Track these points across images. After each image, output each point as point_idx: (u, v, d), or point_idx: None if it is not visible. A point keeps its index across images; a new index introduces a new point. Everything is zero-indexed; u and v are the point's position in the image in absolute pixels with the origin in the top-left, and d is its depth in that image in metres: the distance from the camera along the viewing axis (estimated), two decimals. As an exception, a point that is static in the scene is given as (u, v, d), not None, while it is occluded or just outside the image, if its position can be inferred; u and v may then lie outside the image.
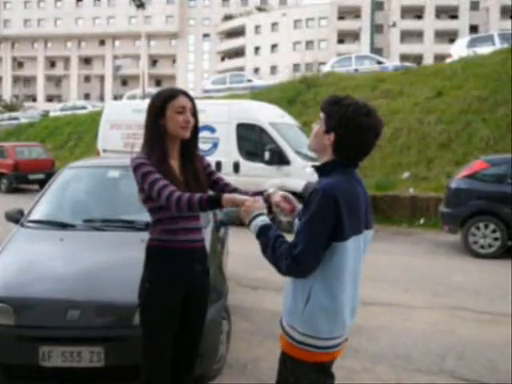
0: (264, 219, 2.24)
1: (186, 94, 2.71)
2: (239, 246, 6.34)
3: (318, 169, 2.26)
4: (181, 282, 2.69)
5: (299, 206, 2.45)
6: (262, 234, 2.19)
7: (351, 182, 2.19)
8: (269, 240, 2.15)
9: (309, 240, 2.06)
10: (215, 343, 3.77)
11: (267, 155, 10.78)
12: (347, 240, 2.11)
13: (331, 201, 2.05)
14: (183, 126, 2.64)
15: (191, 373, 2.93)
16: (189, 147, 2.74)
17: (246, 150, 11.42)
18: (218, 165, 11.16)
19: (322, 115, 2.23)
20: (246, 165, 11.21)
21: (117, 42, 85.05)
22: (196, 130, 2.73)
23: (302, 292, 2.16)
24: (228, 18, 76.91)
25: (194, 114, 2.70)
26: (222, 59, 78.28)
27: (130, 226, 4.24)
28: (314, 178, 9.89)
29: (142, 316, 2.74)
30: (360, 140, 2.15)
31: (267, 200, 2.52)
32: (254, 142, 11.40)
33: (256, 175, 10.96)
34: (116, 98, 47.97)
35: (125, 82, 79.04)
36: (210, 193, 2.69)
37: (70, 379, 3.38)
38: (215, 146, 11.46)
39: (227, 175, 11.02)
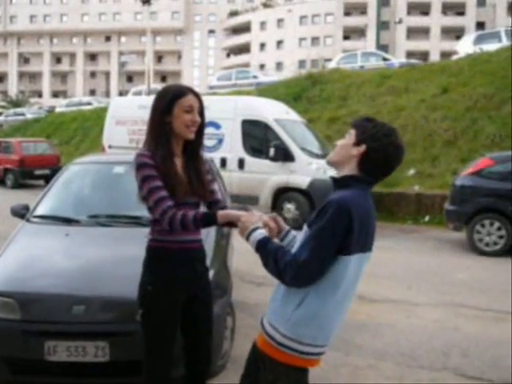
0: (261, 232, 2.24)
1: (194, 92, 2.63)
2: (243, 242, 6.37)
3: (336, 180, 2.26)
4: (183, 284, 2.67)
5: (286, 227, 2.47)
6: (261, 247, 2.19)
7: (367, 199, 2.20)
8: (269, 253, 2.15)
9: (315, 251, 2.06)
10: (219, 339, 3.78)
11: (272, 152, 10.77)
12: (352, 255, 2.10)
13: (345, 215, 2.04)
14: (189, 126, 2.57)
15: (207, 373, 2.94)
16: (193, 146, 2.68)
17: (251, 147, 11.42)
18: (223, 161, 11.16)
19: (352, 131, 2.24)
20: (251, 161, 11.21)
21: (122, 38, 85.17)
22: (202, 129, 2.67)
23: (294, 296, 2.14)
24: (234, 14, 76.83)
25: (201, 113, 2.64)
26: (228, 55, 78.26)
27: (135, 221, 4.25)
28: (318, 174, 9.91)
29: (143, 319, 2.71)
30: (388, 157, 2.18)
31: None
32: (259, 139, 11.39)
33: (261, 172, 10.96)
34: (121, 94, 48.06)
35: (130, 78, 79.22)
36: (203, 210, 2.65)
37: (74, 374, 3.40)
38: (220, 142, 11.46)
39: (232, 171, 11.04)
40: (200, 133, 2.67)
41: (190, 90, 2.63)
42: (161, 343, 2.70)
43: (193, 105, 2.58)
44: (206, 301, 2.83)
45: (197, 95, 2.63)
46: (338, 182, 2.23)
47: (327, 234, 2.05)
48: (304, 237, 2.17)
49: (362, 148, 2.18)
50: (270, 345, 2.19)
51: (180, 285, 2.65)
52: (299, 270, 2.06)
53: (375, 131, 2.18)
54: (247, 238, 2.27)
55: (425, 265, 7.93)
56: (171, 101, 2.55)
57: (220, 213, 2.44)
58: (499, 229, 8.55)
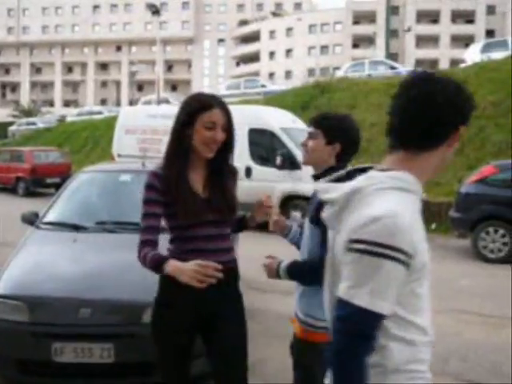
0: (284, 264, 2.45)
1: (222, 106, 2.35)
2: (249, 249, 6.47)
3: (319, 176, 2.48)
4: (186, 309, 2.38)
5: (289, 225, 2.68)
6: (292, 274, 2.43)
7: None
8: (300, 273, 2.42)
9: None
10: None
11: (279, 160, 10.89)
12: None
13: None
14: (208, 144, 2.31)
15: None
16: (218, 162, 2.41)
17: (258, 155, 11.55)
18: (230, 169, 11.28)
19: (315, 130, 2.47)
20: (258, 169, 11.33)
21: (133, 48, 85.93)
22: (229, 145, 2.41)
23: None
24: (243, 23, 77.31)
25: (229, 129, 2.37)
26: (237, 64, 78.67)
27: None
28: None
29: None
30: (358, 143, 2.51)
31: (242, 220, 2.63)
32: (266, 147, 11.53)
33: (268, 180, 11.08)
34: (132, 103, 48.45)
35: (141, 87, 79.81)
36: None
37: (81, 375, 3.52)
38: (227, 150, 11.59)
39: (239, 180, 11.13)
40: (227, 149, 2.42)
41: (218, 103, 2.35)
42: (166, 363, 2.52)
43: (216, 121, 2.31)
44: (222, 329, 2.44)
45: (224, 109, 2.35)
46: (322, 177, 2.46)
47: None
48: (310, 232, 2.39)
49: (337, 146, 2.44)
50: (310, 332, 2.43)
51: (182, 309, 2.38)
52: (319, 268, 2.29)
53: (342, 127, 2.45)
54: (279, 277, 2.47)
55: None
56: (194, 113, 2.31)
57: (170, 263, 2.21)
58: (503, 236, 8.60)
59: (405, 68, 25.87)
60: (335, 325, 1.40)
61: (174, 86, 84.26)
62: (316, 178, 2.53)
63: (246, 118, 11.62)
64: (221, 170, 2.44)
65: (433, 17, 63.95)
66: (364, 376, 1.38)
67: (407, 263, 1.37)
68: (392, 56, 37.81)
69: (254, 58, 73.33)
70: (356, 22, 65.95)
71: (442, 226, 11.28)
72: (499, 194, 8.66)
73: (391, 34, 44.48)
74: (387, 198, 1.40)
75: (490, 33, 59.44)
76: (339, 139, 2.43)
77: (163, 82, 74.76)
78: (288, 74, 66.28)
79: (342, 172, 2.32)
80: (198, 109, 2.30)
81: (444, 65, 52.92)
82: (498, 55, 17.95)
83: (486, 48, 20.26)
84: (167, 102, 28.86)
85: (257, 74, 61.29)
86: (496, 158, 11.35)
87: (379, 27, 59.68)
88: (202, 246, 2.36)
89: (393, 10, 48.61)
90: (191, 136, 2.31)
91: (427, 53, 61.90)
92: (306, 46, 67.71)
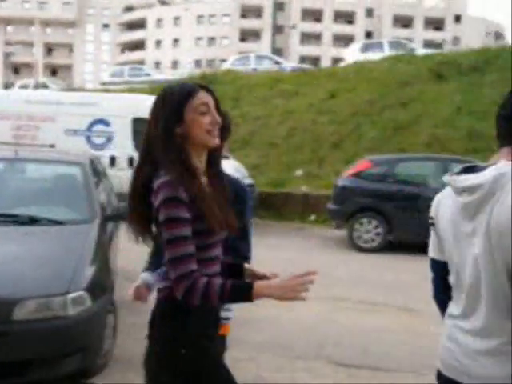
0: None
1: (205, 88, 1.96)
2: (129, 241, 6.36)
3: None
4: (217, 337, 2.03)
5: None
6: None
7: None
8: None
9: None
10: (99, 337, 3.80)
11: (163, 151, 10.76)
12: None
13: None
14: (210, 130, 1.89)
15: None
16: (216, 157, 2.01)
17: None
18: (113, 159, 10.98)
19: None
20: (142, 160, 11.11)
21: (9, 27, 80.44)
22: (223, 132, 2.04)
23: None
24: (129, 9, 75.35)
25: (219, 111, 1.96)
26: (122, 51, 76.49)
27: (13, 220, 4.16)
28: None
29: None
30: None
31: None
32: (151, 137, 11.34)
33: (152, 170, 10.91)
34: (7, 86, 45.49)
35: (17, 69, 75.10)
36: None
37: None
38: (109, 140, 11.28)
39: (122, 170, 10.87)
40: (222, 137, 2.03)
41: (200, 86, 1.95)
42: None
43: (207, 102, 1.92)
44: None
45: (208, 90, 1.96)
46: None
47: None
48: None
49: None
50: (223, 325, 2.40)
51: (215, 338, 2.02)
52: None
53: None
54: None
55: (307, 261, 8.28)
56: (180, 105, 1.87)
57: (260, 285, 1.80)
58: (376, 227, 9.16)
59: (289, 64, 26.55)
60: None
61: (53, 71, 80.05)
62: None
63: (129, 106, 11.35)
64: (219, 166, 2.03)
65: (316, 16, 66.26)
66: None
67: None
68: (277, 51, 38.59)
69: (139, 45, 71.73)
70: (243, 15, 66.67)
71: (321, 217, 11.78)
72: (373, 187, 9.21)
73: (277, 29, 45.46)
74: None
75: (368, 34, 62.73)
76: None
77: (42, 65, 71.02)
78: (175, 64, 65.58)
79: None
80: (184, 97, 1.88)
81: (326, 62, 55.01)
82: (374, 56, 19.04)
83: (365, 48, 21.42)
84: (45, 86, 27.44)
85: (142, 62, 59.98)
86: (370, 153, 12.03)
87: (265, 22, 60.77)
88: (210, 270, 1.93)
89: (279, 6, 49.61)
90: (186, 133, 1.87)
91: (310, 50, 64.12)
92: (194, 36, 67.43)
